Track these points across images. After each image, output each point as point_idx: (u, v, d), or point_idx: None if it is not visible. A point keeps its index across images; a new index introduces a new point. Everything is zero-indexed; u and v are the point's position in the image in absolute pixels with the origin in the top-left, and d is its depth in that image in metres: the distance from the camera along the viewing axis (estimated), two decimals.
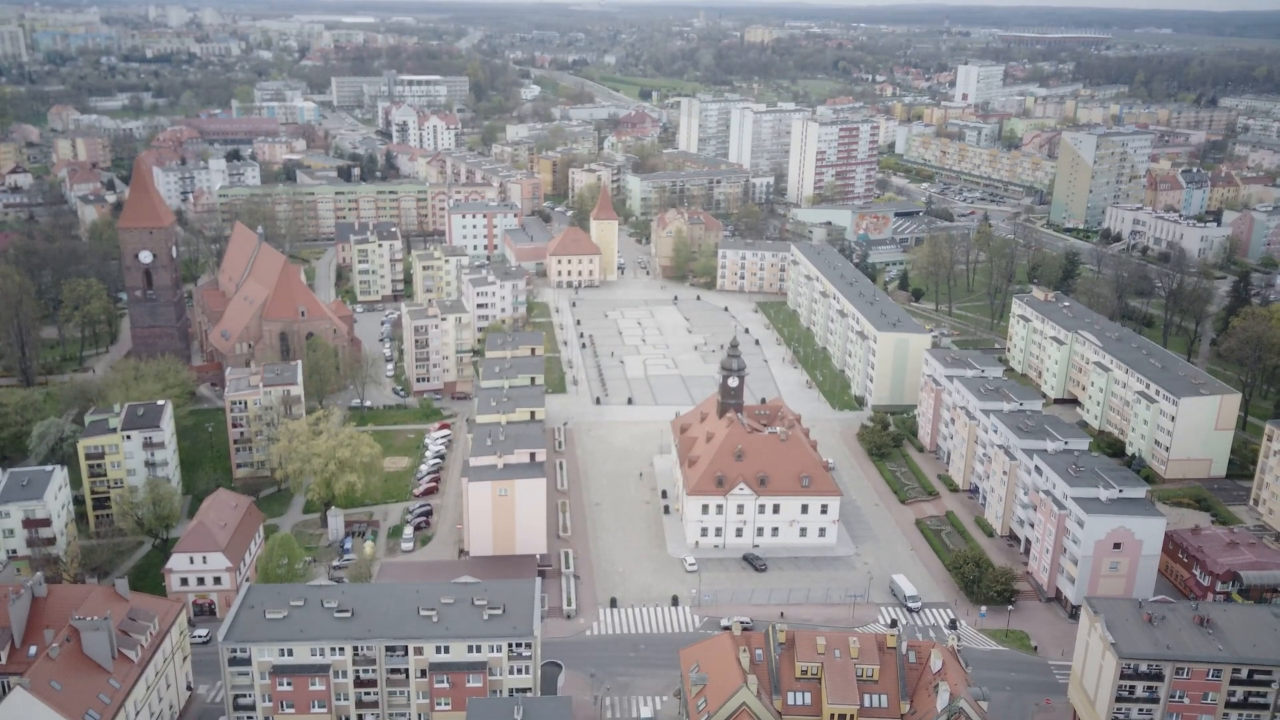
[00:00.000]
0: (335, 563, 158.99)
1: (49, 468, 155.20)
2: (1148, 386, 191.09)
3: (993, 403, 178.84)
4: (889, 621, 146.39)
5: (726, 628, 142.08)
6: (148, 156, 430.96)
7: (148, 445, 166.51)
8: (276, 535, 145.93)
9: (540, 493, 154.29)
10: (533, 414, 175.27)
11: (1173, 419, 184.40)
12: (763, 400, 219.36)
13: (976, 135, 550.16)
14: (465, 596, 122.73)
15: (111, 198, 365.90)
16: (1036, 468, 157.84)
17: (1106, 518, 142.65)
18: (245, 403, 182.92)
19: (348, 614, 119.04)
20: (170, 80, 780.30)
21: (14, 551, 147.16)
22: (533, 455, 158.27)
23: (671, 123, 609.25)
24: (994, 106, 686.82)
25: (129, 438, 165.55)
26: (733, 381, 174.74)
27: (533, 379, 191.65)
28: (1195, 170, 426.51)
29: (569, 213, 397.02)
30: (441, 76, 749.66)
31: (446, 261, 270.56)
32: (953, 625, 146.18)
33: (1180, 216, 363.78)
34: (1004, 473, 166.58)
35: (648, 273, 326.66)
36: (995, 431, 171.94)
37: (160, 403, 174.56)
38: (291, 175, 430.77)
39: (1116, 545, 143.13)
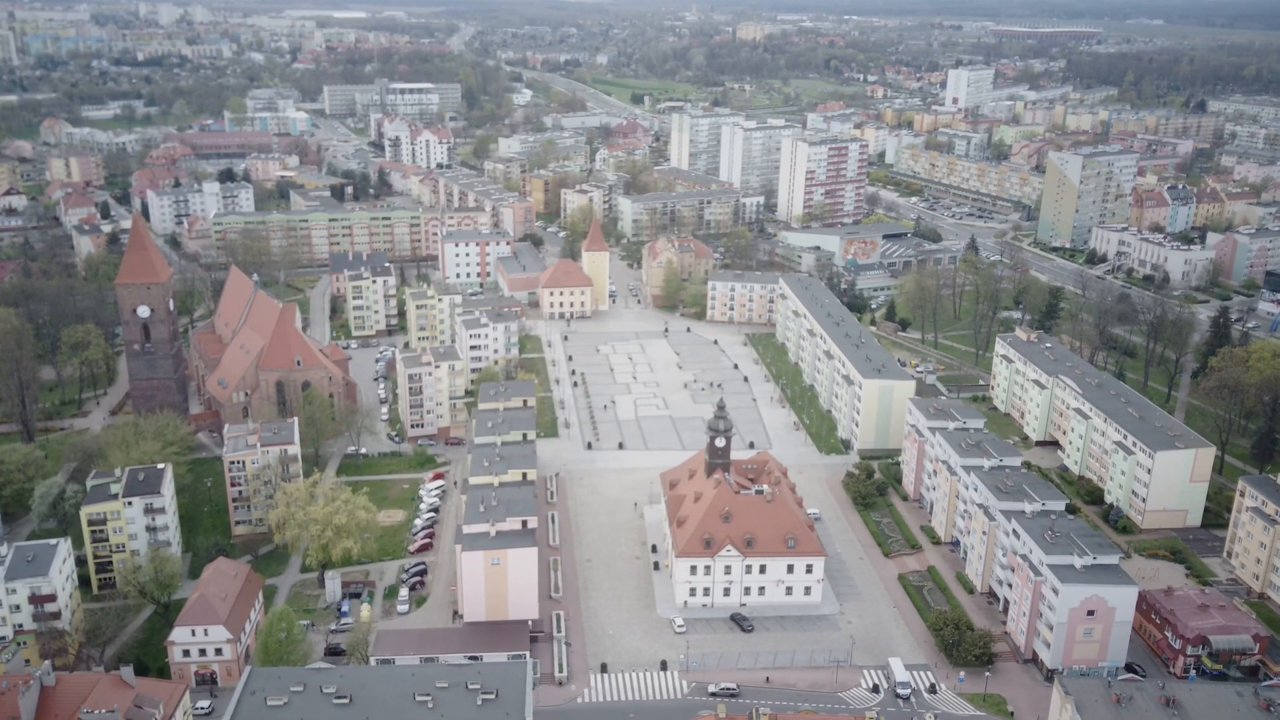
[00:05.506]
0: (333, 627, 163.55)
1: (53, 541, 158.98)
2: (1125, 437, 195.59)
3: (973, 459, 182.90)
4: (870, 685, 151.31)
5: (714, 694, 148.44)
6: (142, 179, 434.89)
7: (149, 511, 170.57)
8: (276, 610, 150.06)
9: (532, 561, 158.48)
10: (524, 475, 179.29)
11: (1149, 471, 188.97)
12: (751, 445, 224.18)
13: (966, 145, 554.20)
14: (459, 680, 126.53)
15: (107, 227, 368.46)
16: (1014, 530, 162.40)
17: (1081, 586, 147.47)
18: (243, 462, 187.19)
19: (346, 700, 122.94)
20: (162, 86, 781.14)
21: (20, 626, 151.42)
22: (524, 523, 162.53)
23: (663, 130, 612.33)
24: (984, 111, 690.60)
25: (130, 504, 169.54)
26: (719, 442, 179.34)
27: (524, 435, 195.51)
28: (1181, 186, 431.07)
29: (561, 233, 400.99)
30: (433, 84, 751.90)
31: (440, 300, 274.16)
32: (932, 689, 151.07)
33: (1165, 237, 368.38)
34: (984, 532, 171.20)
35: (639, 301, 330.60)
36: (975, 490, 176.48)
37: (160, 466, 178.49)
38: (285, 195, 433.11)
39: (1090, 613, 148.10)
